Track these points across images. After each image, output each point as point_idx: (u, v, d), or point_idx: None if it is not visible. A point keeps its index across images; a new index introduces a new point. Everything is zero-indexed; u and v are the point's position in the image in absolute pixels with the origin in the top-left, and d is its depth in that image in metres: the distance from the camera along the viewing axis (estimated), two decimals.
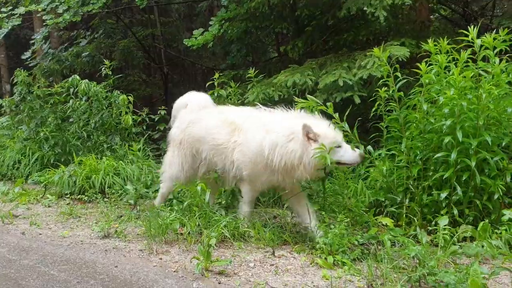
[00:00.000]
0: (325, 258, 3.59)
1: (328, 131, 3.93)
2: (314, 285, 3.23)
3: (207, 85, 5.81)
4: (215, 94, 5.74)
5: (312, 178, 4.12)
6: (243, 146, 4.26)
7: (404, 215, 4.16)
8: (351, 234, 3.92)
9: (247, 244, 4.08)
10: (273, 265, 3.64)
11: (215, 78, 5.66)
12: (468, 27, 4.10)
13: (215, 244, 3.83)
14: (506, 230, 3.56)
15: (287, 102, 4.66)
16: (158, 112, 7.46)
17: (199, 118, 4.76)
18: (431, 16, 7.71)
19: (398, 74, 4.38)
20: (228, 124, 4.43)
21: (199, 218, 4.25)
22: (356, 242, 3.80)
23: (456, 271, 3.01)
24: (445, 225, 3.38)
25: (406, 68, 4.46)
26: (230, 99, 6.00)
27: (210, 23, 7.75)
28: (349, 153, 3.97)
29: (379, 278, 3.14)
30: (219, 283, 3.31)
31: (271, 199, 5.29)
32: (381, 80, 4.49)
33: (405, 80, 4.34)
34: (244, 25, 7.60)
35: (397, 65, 4.46)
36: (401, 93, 4.42)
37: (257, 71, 5.39)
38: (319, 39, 7.36)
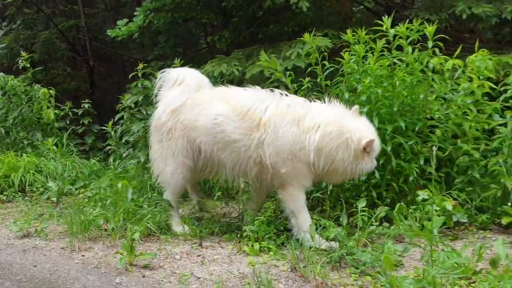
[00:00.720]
0: (252, 246, 3.63)
1: (377, 144, 3.66)
2: (239, 272, 3.26)
3: (130, 76, 5.66)
4: (139, 85, 5.60)
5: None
6: (274, 146, 3.63)
7: (328, 200, 4.29)
8: (278, 221, 4.01)
9: (174, 237, 4.04)
10: (200, 256, 3.63)
11: (139, 69, 5.52)
12: (383, 17, 4.28)
13: (140, 239, 3.77)
14: (420, 210, 3.77)
15: None
16: (82, 106, 7.18)
17: (197, 102, 3.98)
18: (354, 8, 7.96)
19: (326, 62, 4.51)
20: (243, 114, 3.73)
21: (123, 214, 4.15)
22: (282, 228, 3.89)
23: (373, 250, 3.15)
24: (363, 207, 3.52)
25: (330, 59, 4.60)
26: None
27: (135, 13, 7.54)
28: (374, 163, 3.72)
29: (302, 261, 3.22)
30: (143, 277, 3.26)
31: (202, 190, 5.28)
32: (310, 68, 4.61)
33: (332, 68, 4.49)
34: (171, 15, 7.45)
35: (325, 53, 4.60)
36: (328, 82, 4.56)
37: (182, 62, 5.32)
38: (246, 30, 7.38)
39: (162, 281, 3.17)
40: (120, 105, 5.82)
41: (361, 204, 3.48)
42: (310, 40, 4.57)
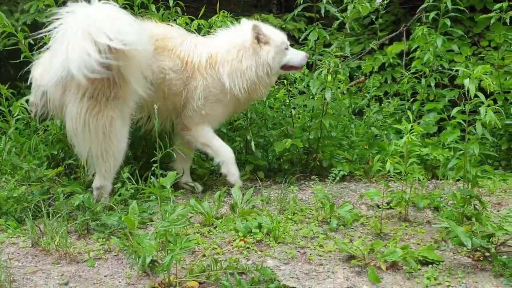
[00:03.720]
0: None
1: (276, 32, 3.79)
2: None
3: None
4: None
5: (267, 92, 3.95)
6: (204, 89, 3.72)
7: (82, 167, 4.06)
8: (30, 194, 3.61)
9: None
10: None
11: None
12: None
13: None
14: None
15: None
16: None
17: None
18: None
19: None
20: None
21: None
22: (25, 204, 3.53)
23: (119, 213, 3.11)
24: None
25: None
26: None
27: None
28: (297, 55, 3.84)
29: (46, 235, 2.99)
30: None
31: None
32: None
33: None
34: None
35: None
36: None
37: None
38: None
39: None
40: None
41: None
42: None
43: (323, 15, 4.02)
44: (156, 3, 4.19)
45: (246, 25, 3.78)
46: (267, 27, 3.84)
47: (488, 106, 2.71)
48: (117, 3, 3.67)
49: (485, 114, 2.66)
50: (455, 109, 2.87)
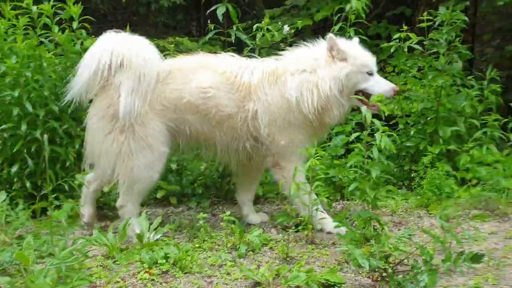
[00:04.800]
0: None
1: (360, 52, 3.37)
2: None
3: None
4: None
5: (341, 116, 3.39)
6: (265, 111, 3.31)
7: None
8: None
9: None
10: None
11: None
12: None
13: None
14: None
15: None
16: None
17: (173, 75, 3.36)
18: None
19: None
20: (232, 83, 3.34)
21: None
22: None
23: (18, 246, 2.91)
24: (3, 201, 3.21)
25: None
26: None
27: None
28: (381, 84, 3.34)
29: None
30: None
31: None
32: None
33: None
34: None
35: None
36: None
37: None
38: None
39: None
40: None
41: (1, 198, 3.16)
42: None
43: (233, 41, 4.08)
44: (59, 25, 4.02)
45: (323, 43, 3.45)
46: (349, 44, 3.46)
47: (384, 132, 2.87)
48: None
49: (380, 140, 2.80)
50: (354, 135, 3.00)
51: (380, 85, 3.34)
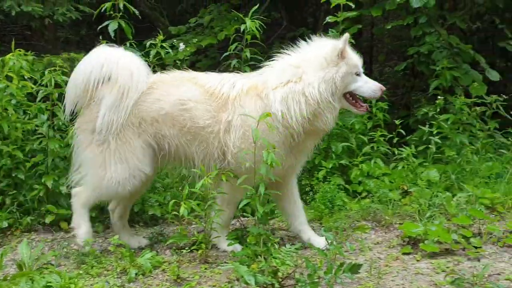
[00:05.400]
0: None
1: (352, 52, 3.30)
2: None
3: None
4: None
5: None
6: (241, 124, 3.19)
7: None
8: None
9: None
10: None
11: None
12: None
13: None
14: None
15: None
16: None
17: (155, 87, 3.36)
18: None
19: None
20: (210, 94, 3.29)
21: None
22: None
23: None
24: None
25: None
26: None
27: None
28: (370, 84, 3.29)
29: None
30: None
31: None
32: None
33: None
34: None
35: None
36: None
37: None
38: None
39: None
40: None
41: None
42: None
43: None
44: None
45: (301, 48, 3.38)
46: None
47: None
48: None
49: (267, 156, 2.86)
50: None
51: (369, 86, 3.30)
